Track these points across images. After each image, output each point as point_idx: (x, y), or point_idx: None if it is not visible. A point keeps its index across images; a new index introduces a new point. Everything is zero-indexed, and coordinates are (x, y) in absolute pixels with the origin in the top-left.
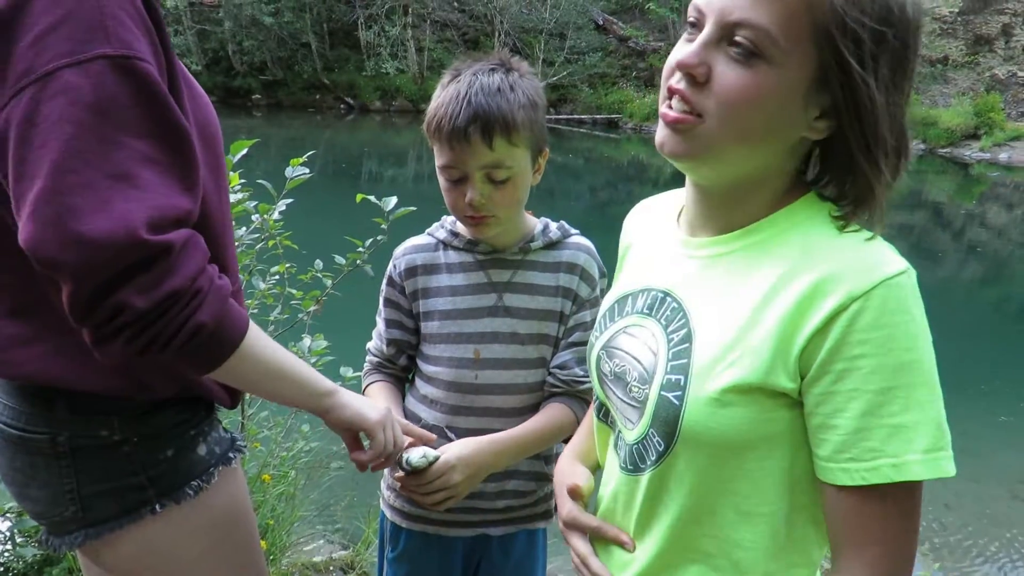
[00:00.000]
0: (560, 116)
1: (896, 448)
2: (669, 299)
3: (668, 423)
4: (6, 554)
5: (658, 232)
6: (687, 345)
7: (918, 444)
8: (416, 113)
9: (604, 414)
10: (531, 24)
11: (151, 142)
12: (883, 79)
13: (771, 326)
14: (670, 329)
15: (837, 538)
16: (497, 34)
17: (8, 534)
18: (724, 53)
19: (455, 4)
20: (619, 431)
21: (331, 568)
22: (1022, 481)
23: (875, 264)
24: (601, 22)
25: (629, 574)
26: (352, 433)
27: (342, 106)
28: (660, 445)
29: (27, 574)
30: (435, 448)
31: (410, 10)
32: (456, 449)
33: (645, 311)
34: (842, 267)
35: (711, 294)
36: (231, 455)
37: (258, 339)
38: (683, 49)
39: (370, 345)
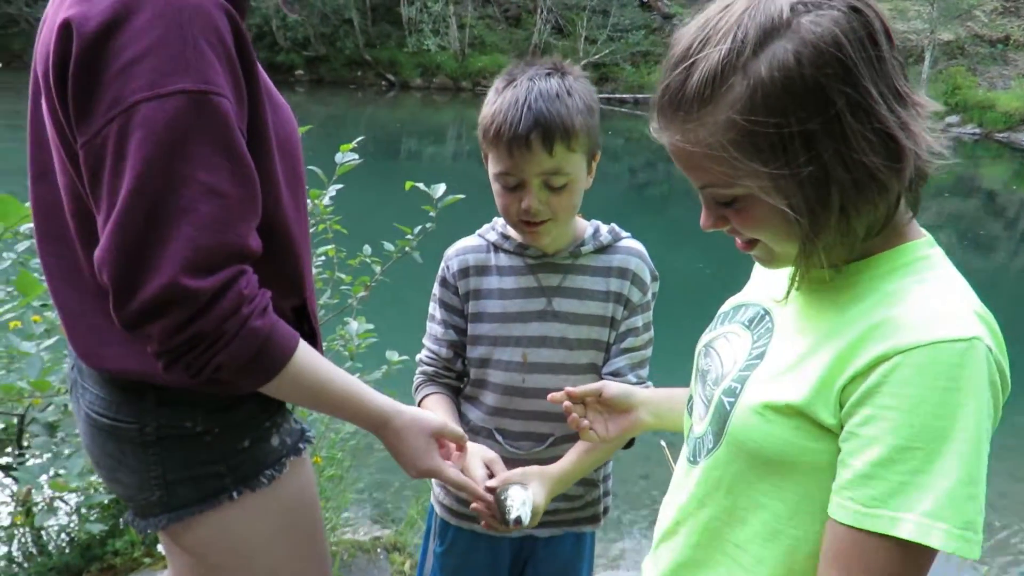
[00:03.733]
0: (601, 95)
1: (898, 503)
2: (767, 318)
3: (719, 423)
4: (72, 526)
5: None
6: (759, 361)
7: (921, 506)
8: (456, 91)
9: (689, 406)
10: (574, 1)
11: (218, 175)
12: (828, 139)
13: (825, 359)
14: (755, 344)
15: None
16: (539, 11)
17: (75, 508)
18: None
19: None
20: (692, 423)
21: (377, 548)
22: None
23: (935, 323)
24: None
25: (667, 558)
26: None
27: (383, 82)
28: (711, 443)
29: (90, 546)
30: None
31: None
32: (538, 492)
33: (746, 323)
34: (902, 317)
35: (796, 321)
36: (301, 446)
37: (304, 369)
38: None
39: (422, 355)
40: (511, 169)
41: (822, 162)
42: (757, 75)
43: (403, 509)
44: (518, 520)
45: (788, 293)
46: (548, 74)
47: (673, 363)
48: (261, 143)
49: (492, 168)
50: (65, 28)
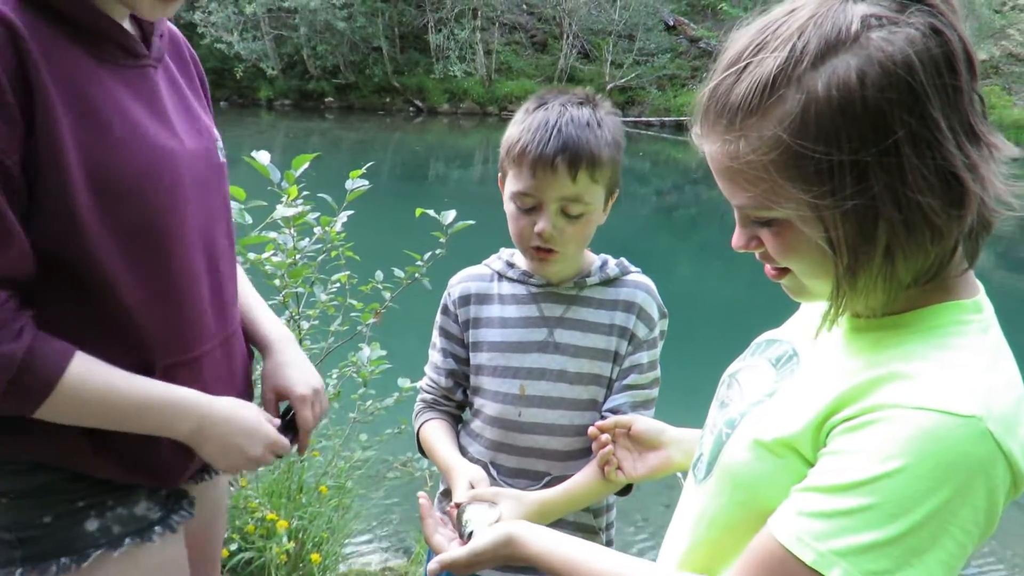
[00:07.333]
0: (627, 118)
1: (840, 548)
2: (795, 360)
3: (714, 453)
4: None
5: None
6: (767, 398)
7: (863, 564)
8: (483, 116)
9: (703, 432)
10: (600, 26)
11: None
12: (887, 166)
13: (827, 399)
14: (774, 383)
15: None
16: (565, 36)
17: None
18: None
19: (524, 7)
20: (700, 451)
21: None
22: None
23: (934, 391)
24: (672, 23)
25: (676, 556)
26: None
27: (411, 108)
28: (703, 472)
29: None
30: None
31: (479, 13)
32: (510, 515)
33: (774, 361)
34: (907, 377)
35: (817, 366)
36: (128, 540)
37: (82, 388)
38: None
39: (423, 382)
40: (531, 190)
41: (871, 196)
42: (812, 90)
43: (414, 540)
44: (471, 536)
45: (818, 333)
46: (581, 103)
47: (696, 390)
48: (57, 176)
49: (510, 187)
50: None
